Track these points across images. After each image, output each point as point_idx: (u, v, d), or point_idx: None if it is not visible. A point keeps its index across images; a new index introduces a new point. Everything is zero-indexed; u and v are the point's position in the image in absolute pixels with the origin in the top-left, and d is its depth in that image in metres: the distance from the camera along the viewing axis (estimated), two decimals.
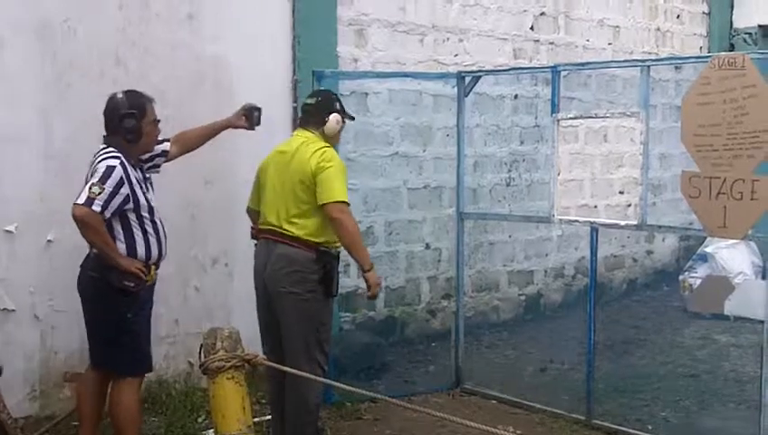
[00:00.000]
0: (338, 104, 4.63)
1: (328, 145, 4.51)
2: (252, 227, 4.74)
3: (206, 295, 5.65)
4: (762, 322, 4.50)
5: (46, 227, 4.95)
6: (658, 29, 9.28)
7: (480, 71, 6.50)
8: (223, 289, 5.71)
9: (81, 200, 3.93)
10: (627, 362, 6.48)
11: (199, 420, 5.06)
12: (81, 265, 4.22)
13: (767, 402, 4.38)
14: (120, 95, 4.18)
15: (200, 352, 3.50)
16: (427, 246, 7.07)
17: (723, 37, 9.91)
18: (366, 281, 4.54)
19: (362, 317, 6.61)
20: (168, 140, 4.50)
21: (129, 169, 4.08)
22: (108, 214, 3.98)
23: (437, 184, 7.02)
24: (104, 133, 4.20)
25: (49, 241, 4.98)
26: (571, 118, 5.50)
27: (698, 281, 8.03)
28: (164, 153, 4.48)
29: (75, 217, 3.94)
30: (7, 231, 4.86)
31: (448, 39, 7.11)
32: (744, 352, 6.65)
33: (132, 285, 4.07)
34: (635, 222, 5.00)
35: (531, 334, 7.34)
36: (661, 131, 8.79)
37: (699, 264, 8.25)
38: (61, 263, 4.87)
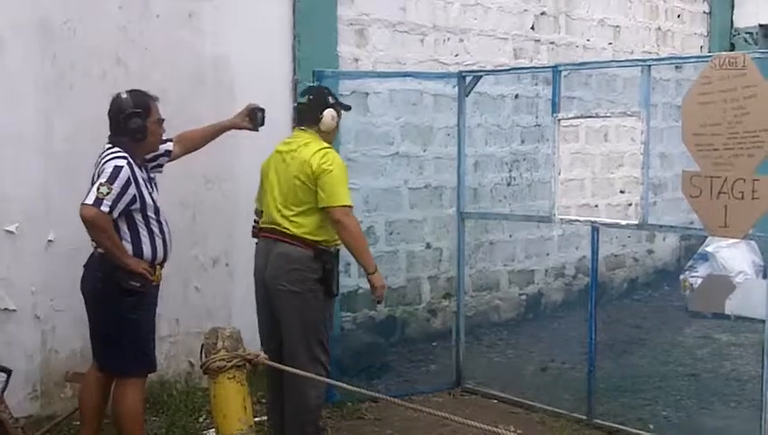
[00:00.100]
0: (330, 98, 4.61)
1: (328, 146, 4.51)
2: (253, 226, 4.75)
3: (207, 295, 5.65)
4: (762, 321, 4.50)
5: (47, 226, 4.95)
6: (659, 28, 9.28)
7: (481, 70, 6.50)
8: (223, 289, 5.71)
9: (90, 201, 3.93)
10: (628, 361, 6.48)
11: (200, 419, 5.06)
12: (86, 266, 4.22)
13: None
14: (124, 95, 4.18)
15: (201, 352, 3.50)
16: (428, 246, 7.07)
17: (723, 37, 9.91)
18: (371, 283, 4.55)
19: (363, 317, 6.61)
20: (171, 140, 4.49)
21: (136, 169, 4.08)
22: (115, 214, 3.98)
23: (438, 184, 7.02)
24: (109, 133, 4.19)
25: (50, 241, 4.98)
26: (571, 117, 5.51)
27: (699, 280, 8.06)
28: (167, 153, 4.47)
29: (84, 218, 3.93)
30: (8, 231, 4.86)
31: (449, 39, 7.11)
32: (745, 352, 6.64)
33: (139, 285, 4.07)
34: (636, 221, 5.00)
35: (531, 334, 7.34)
36: (662, 131, 8.80)
37: (700, 263, 8.25)
38: (61, 263, 4.88)
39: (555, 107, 5.24)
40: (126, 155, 4.07)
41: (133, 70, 5.18)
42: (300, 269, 4.37)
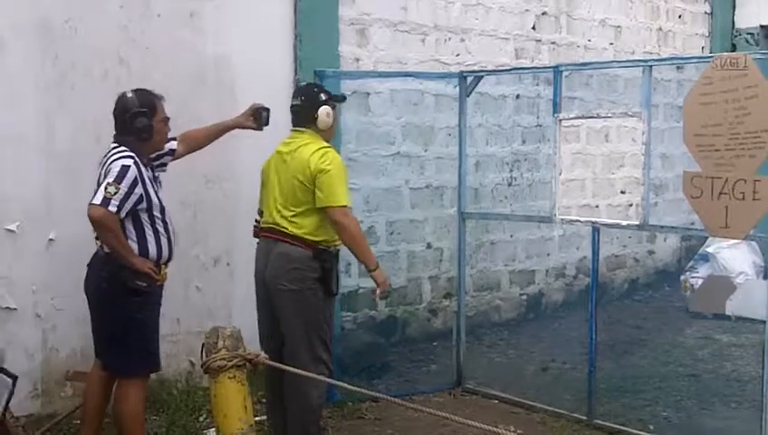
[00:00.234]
0: (323, 95, 4.58)
1: (328, 145, 4.51)
2: (254, 226, 4.75)
3: (208, 295, 5.65)
4: (763, 321, 4.50)
5: (48, 225, 4.96)
6: (660, 29, 9.27)
7: (482, 70, 6.50)
8: (224, 288, 5.71)
9: (98, 201, 3.92)
10: (628, 361, 6.48)
11: (201, 419, 5.07)
12: (89, 265, 4.21)
13: None
14: (129, 94, 4.17)
15: (202, 352, 3.51)
16: (429, 246, 7.07)
17: (725, 37, 9.91)
18: (374, 281, 4.54)
19: (364, 317, 6.61)
20: (175, 139, 4.50)
21: (142, 168, 4.08)
22: (123, 214, 3.98)
23: (439, 184, 7.02)
24: (114, 132, 4.19)
25: (51, 240, 4.98)
26: (572, 118, 5.51)
27: (700, 281, 8.06)
28: (171, 152, 4.48)
29: (91, 218, 3.93)
30: (9, 230, 4.86)
31: (450, 39, 7.11)
32: (746, 352, 6.64)
33: (145, 284, 4.07)
34: (636, 222, 5.00)
35: (532, 334, 7.34)
36: (663, 131, 8.80)
37: (701, 264, 8.25)
38: (62, 262, 4.88)
39: (556, 107, 5.24)
40: (132, 154, 4.06)
41: (134, 69, 5.18)
42: (299, 268, 4.37)
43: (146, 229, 4.12)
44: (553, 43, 8.00)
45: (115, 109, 4.18)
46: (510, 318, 7.74)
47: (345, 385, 4.19)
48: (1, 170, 4.82)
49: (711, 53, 9.26)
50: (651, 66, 4.89)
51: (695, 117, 4.47)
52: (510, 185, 7.67)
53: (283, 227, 4.43)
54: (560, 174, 5.23)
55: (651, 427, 5.13)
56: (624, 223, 5.61)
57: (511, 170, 7.68)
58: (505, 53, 7.55)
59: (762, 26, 9.78)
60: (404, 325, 6.94)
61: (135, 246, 4.08)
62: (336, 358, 5.13)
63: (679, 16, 9.54)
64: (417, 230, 6.97)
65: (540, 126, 7.78)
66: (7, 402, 4.08)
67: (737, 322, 7.48)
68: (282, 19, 5.93)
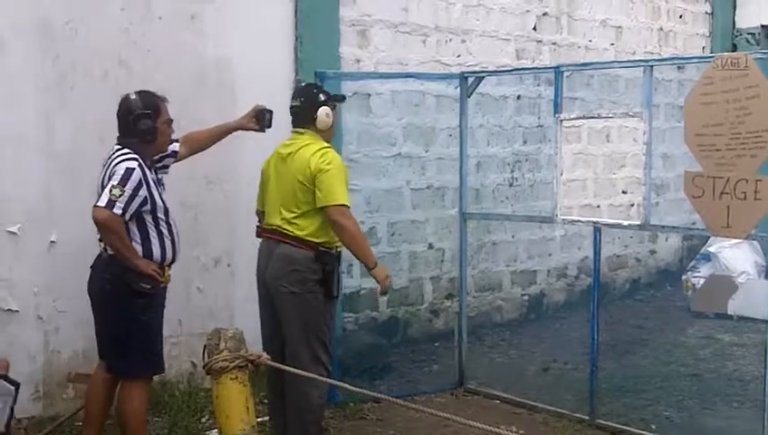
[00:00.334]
0: (322, 96, 4.56)
1: (328, 146, 4.50)
2: (257, 226, 4.74)
3: (209, 296, 5.66)
4: (765, 321, 4.52)
5: (50, 227, 4.96)
6: (661, 29, 9.27)
7: (483, 71, 6.50)
8: (225, 290, 5.71)
9: (103, 203, 3.92)
10: (630, 361, 6.48)
11: (203, 420, 5.07)
12: (93, 267, 4.21)
13: None
14: (133, 96, 4.17)
15: (204, 353, 3.51)
16: (430, 247, 7.07)
17: (725, 37, 9.90)
18: (375, 278, 4.53)
19: (365, 318, 6.61)
20: (177, 141, 4.49)
21: (146, 170, 4.08)
22: (127, 216, 3.98)
23: (440, 184, 7.02)
24: (117, 134, 4.19)
25: (52, 242, 4.98)
26: (573, 118, 5.51)
27: (701, 281, 8.06)
28: (174, 154, 4.48)
29: (96, 220, 3.93)
30: (11, 232, 4.87)
31: (451, 40, 7.11)
32: (748, 352, 6.64)
33: (149, 287, 4.07)
34: (638, 222, 5.01)
35: (534, 334, 7.34)
36: (664, 131, 8.80)
37: (702, 263, 8.25)
38: (64, 263, 4.89)
39: (557, 108, 5.24)
40: (136, 156, 4.06)
41: (135, 71, 5.19)
42: (300, 270, 4.37)
43: (150, 231, 4.12)
44: (554, 43, 8.00)
45: (119, 110, 4.18)
46: (511, 318, 7.74)
47: (347, 386, 4.20)
48: (1, 171, 4.82)
49: (712, 53, 9.26)
50: (652, 66, 4.89)
51: (696, 117, 4.47)
52: (511, 185, 7.67)
53: (285, 229, 4.42)
54: (561, 174, 5.23)
55: (653, 426, 5.13)
56: (625, 223, 5.61)
57: (512, 171, 7.68)
58: (506, 53, 7.55)
59: (762, 26, 9.78)
60: (405, 326, 6.94)
61: (139, 249, 4.08)
62: (338, 359, 5.14)
63: (680, 16, 9.54)
64: (419, 231, 6.97)
65: (541, 126, 7.78)
66: (12, 411, 4.07)
67: (739, 321, 7.47)
68: (282, 21, 5.93)
